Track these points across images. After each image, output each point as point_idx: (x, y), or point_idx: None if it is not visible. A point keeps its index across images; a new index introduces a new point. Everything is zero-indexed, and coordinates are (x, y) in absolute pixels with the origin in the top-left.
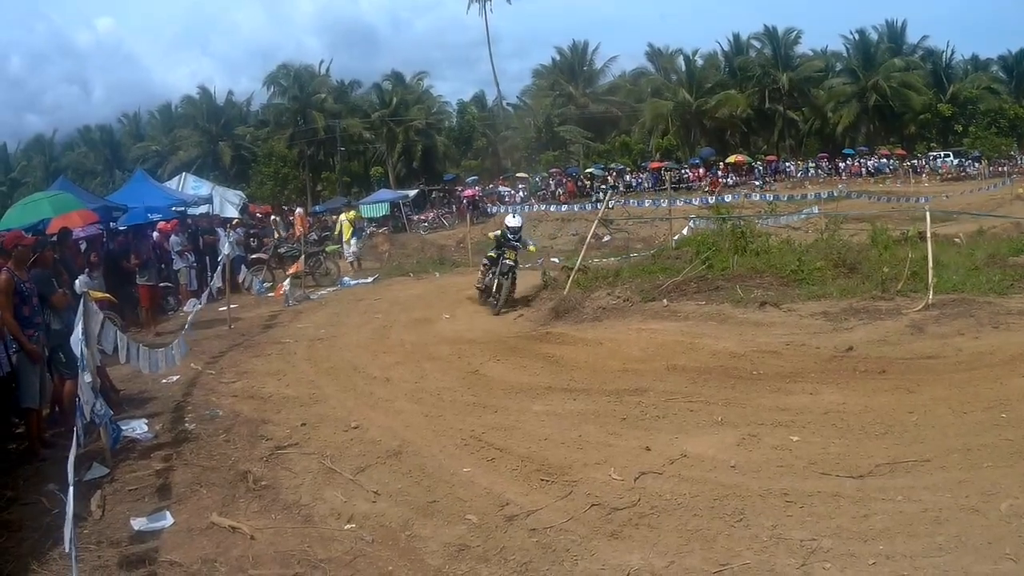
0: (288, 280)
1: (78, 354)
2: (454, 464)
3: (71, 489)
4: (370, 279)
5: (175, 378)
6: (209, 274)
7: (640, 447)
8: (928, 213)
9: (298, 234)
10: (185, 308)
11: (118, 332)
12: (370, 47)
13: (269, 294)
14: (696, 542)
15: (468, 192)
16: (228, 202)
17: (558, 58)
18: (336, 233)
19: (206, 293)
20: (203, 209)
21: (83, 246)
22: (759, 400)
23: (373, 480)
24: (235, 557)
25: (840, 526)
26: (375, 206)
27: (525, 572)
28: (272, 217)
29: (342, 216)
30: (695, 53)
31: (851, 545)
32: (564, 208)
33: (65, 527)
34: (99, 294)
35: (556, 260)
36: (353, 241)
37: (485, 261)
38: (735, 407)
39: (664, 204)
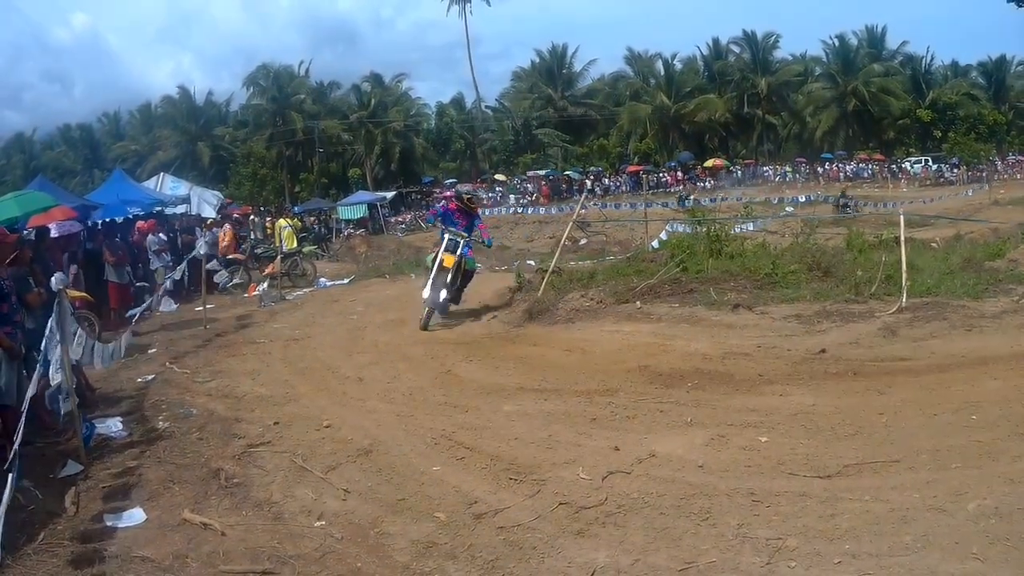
0: (267, 281)
1: (52, 345)
2: (424, 463)
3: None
4: (346, 280)
5: (150, 377)
6: (186, 274)
7: (609, 447)
8: (902, 217)
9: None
10: (163, 308)
11: (79, 330)
12: (350, 47)
13: (244, 295)
14: (662, 540)
15: (448, 193)
16: (206, 202)
17: (537, 61)
18: (277, 243)
19: (166, 290)
20: (181, 209)
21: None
22: (729, 401)
23: (344, 478)
24: (206, 553)
25: (806, 525)
26: (353, 207)
27: (492, 570)
28: (251, 217)
29: (281, 222)
30: (674, 57)
31: (817, 544)
32: (542, 211)
33: None
34: (77, 293)
35: (531, 263)
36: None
37: None
38: (705, 408)
39: (641, 207)
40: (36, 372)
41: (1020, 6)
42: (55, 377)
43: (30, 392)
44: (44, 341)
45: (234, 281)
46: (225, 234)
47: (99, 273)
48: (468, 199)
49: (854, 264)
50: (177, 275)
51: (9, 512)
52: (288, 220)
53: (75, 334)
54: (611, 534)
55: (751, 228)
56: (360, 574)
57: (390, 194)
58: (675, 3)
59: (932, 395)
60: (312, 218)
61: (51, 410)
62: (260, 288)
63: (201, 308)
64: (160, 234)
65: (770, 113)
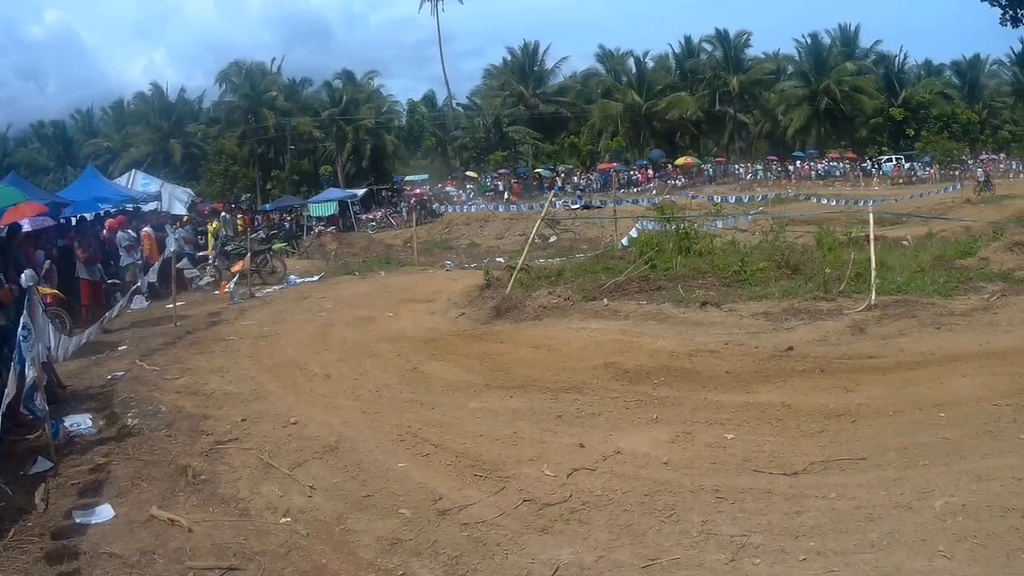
0: (236, 278)
1: (21, 340)
2: (390, 459)
3: None
4: (316, 277)
5: (120, 374)
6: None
7: (574, 444)
8: (872, 215)
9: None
10: (134, 305)
11: (51, 327)
12: (323, 44)
13: (215, 292)
14: (626, 537)
15: (417, 191)
16: (177, 199)
17: (509, 58)
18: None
19: (136, 287)
20: (152, 206)
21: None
22: (695, 398)
23: (309, 475)
24: (173, 549)
25: (771, 522)
26: (324, 205)
27: (456, 566)
28: (221, 214)
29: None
30: (646, 55)
31: (782, 541)
32: (512, 208)
33: None
34: (48, 290)
35: (501, 260)
36: (213, 255)
37: None
38: (671, 405)
39: (611, 204)
40: (12, 370)
41: (994, 5)
42: (28, 374)
43: (9, 390)
44: (18, 338)
45: (206, 279)
46: (144, 239)
47: (71, 270)
48: None
49: (823, 262)
50: (153, 277)
51: None
52: (212, 226)
53: (51, 331)
54: (575, 531)
55: (720, 226)
56: (325, 570)
57: (361, 191)
58: (647, 1)
59: (900, 393)
60: (288, 216)
61: (26, 408)
62: (230, 286)
63: (171, 305)
64: (129, 230)
65: (742, 111)
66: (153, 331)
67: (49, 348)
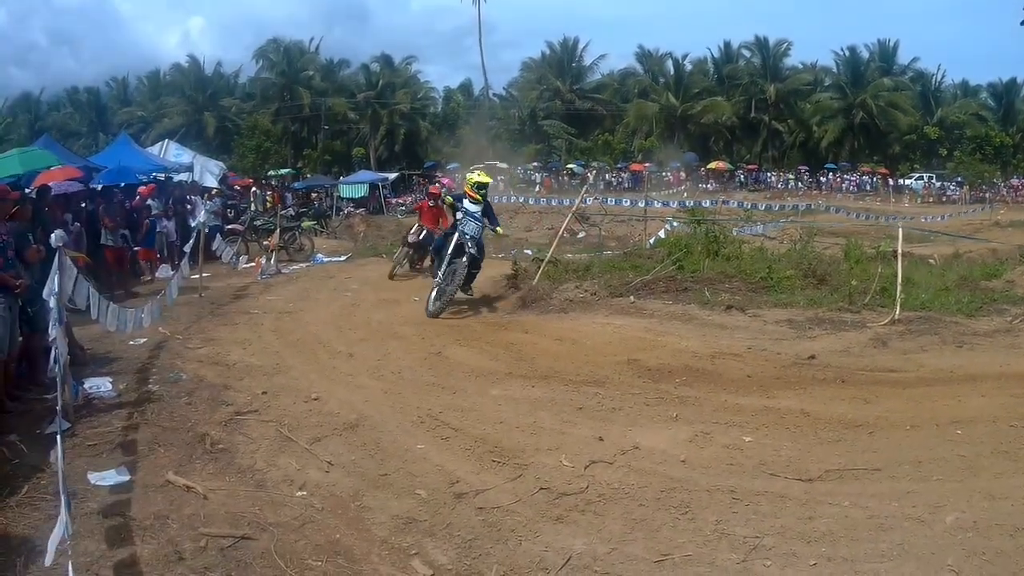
0: (273, 255)
1: (49, 301)
2: (409, 440)
3: (58, 442)
4: (343, 257)
5: (142, 341)
6: (178, 242)
7: (593, 437)
8: (900, 230)
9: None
10: (159, 274)
11: (90, 288)
12: (362, 25)
13: (250, 264)
14: (640, 531)
15: (445, 180)
16: (208, 172)
17: (548, 52)
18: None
19: (185, 261)
20: (183, 177)
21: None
22: (716, 400)
23: (328, 450)
24: (187, 515)
25: (784, 526)
26: (355, 186)
27: (469, 549)
28: (252, 190)
29: None
30: (685, 57)
31: (794, 545)
32: (543, 202)
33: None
34: (74, 253)
35: (529, 252)
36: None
37: None
38: (691, 405)
39: (641, 204)
40: (55, 327)
41: None
42: (51, 333)
43: (61, 349)
44: (53, 300)
45: (241, 255)
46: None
47: (98, 236)
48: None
49: (850, 274)
50: (188, 248)
51: None
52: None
53: (89, 291)
54: (590, 522)
55: (748, 232)
56: (338, 545)
57: (393, 175)
58: (689, 4)
59: (918, 407)
60: (315, 194)
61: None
62: (264, 262)
63: (197, 276)
64: (158, 199)
65: (777, 120)
66: (177, 300)
67: (87, 309)
